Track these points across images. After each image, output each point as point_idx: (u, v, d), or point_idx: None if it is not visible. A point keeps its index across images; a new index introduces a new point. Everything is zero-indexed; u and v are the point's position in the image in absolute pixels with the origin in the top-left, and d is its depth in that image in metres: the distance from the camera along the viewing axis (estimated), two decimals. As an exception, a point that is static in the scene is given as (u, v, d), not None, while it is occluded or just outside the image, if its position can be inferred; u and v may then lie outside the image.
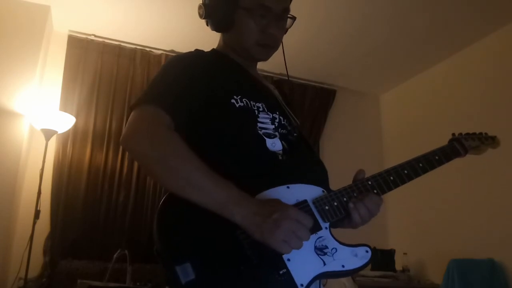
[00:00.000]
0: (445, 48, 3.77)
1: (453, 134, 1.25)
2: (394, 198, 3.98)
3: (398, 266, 3.69)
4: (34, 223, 2.94)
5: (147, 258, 3.14)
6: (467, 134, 1.26)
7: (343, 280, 3.12)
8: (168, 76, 1.07)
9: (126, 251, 2.74)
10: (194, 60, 1.11)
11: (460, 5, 3.17)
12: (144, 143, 0.93)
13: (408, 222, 4.11)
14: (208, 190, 0.89)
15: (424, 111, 4.14)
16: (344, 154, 4.30)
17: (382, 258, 3.67)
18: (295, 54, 3.78)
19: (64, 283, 2.94)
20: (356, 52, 3.91)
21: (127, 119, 3.71)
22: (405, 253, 3.72)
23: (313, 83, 4.44)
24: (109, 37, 3.75)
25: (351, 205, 1.01)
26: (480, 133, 1.28)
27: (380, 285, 3.40)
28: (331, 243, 0.97)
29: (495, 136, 1.30)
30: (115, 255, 2.74)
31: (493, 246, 3.18)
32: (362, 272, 3.42)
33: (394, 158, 4.37)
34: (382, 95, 4.78)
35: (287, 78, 1.34)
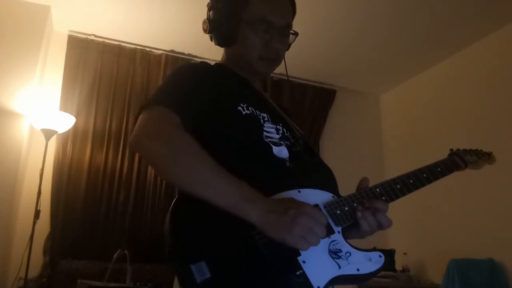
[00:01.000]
0: (445, 48, 3.77)
1: (451, 150, 1.29)
2: (394, 198, 3.97)
3: (398, 266, 3.69)
4: (34, 223, 2.94)
5: (147, 258, 3.14)
6: (464, 150, 1.29)
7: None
8: (177, 80, 1.09)
9: (126, 251, 2.74)
10: (201, 68, 1.14)
11: (460, 5, 3.17)
12: (155, 142, 0.93)
13: (408, 222, 4.11)
14: (221, 189, 0.88)
15: (424, 111, 4.14)
16: (344, 154, 4.29)
17: (382, 258, 3.66)
18: (295, 54, 3.76)
19: (64, 283, 2.94)
20: (356, 52, 3.91)
21: (127, 119, 3.73)
22: (405, 253, 3.72)
23: (313, 83, 4.44)
24: (109, 37, 3.75)
25: (359, 214, 1.01)
26: (476, 150, 1.32)
27: (380, 285, 3.40)
28: (345, 247, 0.97)
29: (491, 152, 1.35)
30: (115, 255, 2.74)
31: (493, 246, 3.18)
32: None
33: (394, 158, 4.38)
34: (382, 95, 4.78)
35: (286, 78, 1.34)
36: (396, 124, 4.54)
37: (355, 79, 4.45)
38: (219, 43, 1.21)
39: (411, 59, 4.00)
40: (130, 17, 3.49)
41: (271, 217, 0.86)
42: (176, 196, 0.93)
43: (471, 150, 1.30)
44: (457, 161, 1.24)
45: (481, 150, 1.33)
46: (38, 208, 2.98)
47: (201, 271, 0.82)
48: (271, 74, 4.07)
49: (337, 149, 4.37)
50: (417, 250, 3.83)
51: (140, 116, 0.98)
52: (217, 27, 1.18)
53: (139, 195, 3.56)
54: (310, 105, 4.37)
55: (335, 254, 0.95)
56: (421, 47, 3.78)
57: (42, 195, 3.01)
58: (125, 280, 2.71)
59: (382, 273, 3.49)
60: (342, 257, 0.95)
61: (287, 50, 1.23)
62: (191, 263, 0.83)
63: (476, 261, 3.10)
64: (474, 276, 3.01)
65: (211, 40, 1.23)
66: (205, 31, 1.21)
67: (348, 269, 0.94)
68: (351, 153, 4.34)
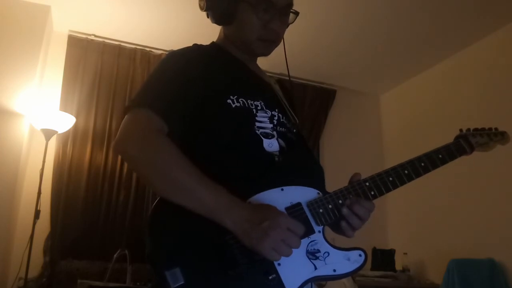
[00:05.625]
0: (445, 48, 3.77)
1: (461, 130, 1.20)
2: (394, 198, 3.98)
3: (398, 266, 3.69)
4: (34, 223, 2.94)
5: (147, 258, 3.13)
6: (476, 129, 1.20)
7: (343, 280, 3.13)
8: (164, 77, 1.05)
9: (126, 251, 2.74)
10: (191, 58, 1.09)
11: (460, 5, 3.17)
12: (135, 148, 0.93)
13: (408, 222, 4.11)
14: (198, 195, 0.89)
15: (424, 111, 4.14)
16: (344, 154, 4.30)
17: (382, 258, 3.66)
18: (295, 54, 3.78)
19: (64, 283, 2.94)
20: (356, 52, 3.91)
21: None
22: (405, 253, 3.72)
23: (313, 83, 4.44)
24: (109, 37, 3.75)
25: (344, 210, 0.99)
26: (490, 129, 1.22)
27: (380, 285, 3.40)
28: (324, 247, 0.96)
29: (505, 132, 1.23)
30: (115, 255, 2.74)
31: (493, 246, 3.18)
32: (362, 272, 3.42)
33: (394, 158, 4.37)
34: (382, 95, 4.78)
35: (288, 78, 1.32)
36: (396, 124, 4.54)
37: (355, 79, 4.45)
38: (216, 21, 1.16)
39: (411, 59, 4.00)
40: (130, 17, 3.49)
41: (245, 227, 0.87)
42: (157, 200, 0.93)
43: (483, 129, 1.20)
44: (462, 145, 1.14)
45: (496, 129, 1.23)
46: (38, 208, 2.98)
47: (175, 278, 0.83)
48: (271, 74, 4.09)
49: (337, 149, 4.37)
50: (417, 250, 3.83)
51: (125, 118, 0.97)
52: (214, 5, 1.13)
53: (139, 195, 3.56)
54: (310, 105, 4.37)
55: (312, 254, 0.94)
56: (421, 47, 3.78)
57: (42, 195, 3.01)
58: (125, 280, 2.71)
59: (382, 273, 3.52)
60: (320, 257, 0.94)
61: (286, 27, 1.18)
62: (166, 269, 0.84)
63: (476, 261, 3.10)
64: (474, 276, 3.01)
65: (208, 17, 1.18)
66: (201, 8, 1.16)
67: (325, 270, 0.94)
68: (351, 153, 4.34)
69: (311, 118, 4.33)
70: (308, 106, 4.36)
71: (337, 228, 1.04)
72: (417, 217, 3.98)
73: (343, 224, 1.00)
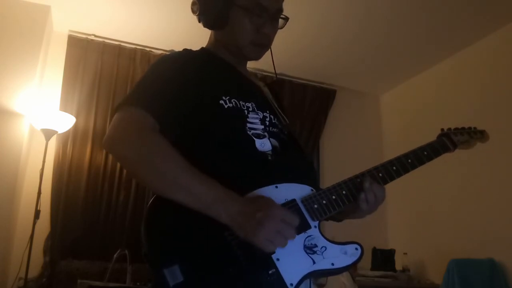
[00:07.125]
0: (445, 48, 3.77)
1: (442, 129, 1.25)
2: (394, 198, 3.98)
3: (398, 266, 3.69)
4: (34, 223, 2.94)
5: (147, 258, 3.13)
6: (456, 128, 1.26)
7: (343, 280, 3.13)
8: (156, 77, 1.06)
9: (126, 251, 2.74)
10: (183, 61, 1.10)
11: (460, 5, 3.17)
12: (127, 146, 0.92)
13: (408, 222, 4.11)
14: (194, 191, 0.89)
15: (424, 111, 4.14)
16: (344, 154, 4.30)
17: (382, 258, 3.66)
18: (295, 54, 3.78)
19: (64, 283, 2.94)
20: (356, 52, 3.91)
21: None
22: (405, 253, 3.72)
23: (313, 83, 4.44)
24: (109, 37, 3.75)
25: (362, 195, 1.03)
26: (469, 128, 1.28)
27: (380, 285, 3.40)
28: (321, 241, 0.97)
29: (484, 130, 1.30)
30: (115, 255, 2.74)
31: (493, 246, 3.18)
32: (362, 272, 3.42)
33: (394, 158, 4.37)
34: (382, 95, 4.78)
35: (275, 76, 1.34)
36: (396, 124, 4.54)
37: (355, 79, 4.45)
38: (208, 25, 1.17)
39: (411, 59, 4.00)
40: (130, 17, 3.49)
41: (240, 219, 0.87)
42: (152, 198, 0.93)
43: (463, 128, 1.27)
44: (445, 142, 1.20)
45: (474, 128, 1.29)
46: (38, 208, 2.98)
47: (174, 275, 0.84)
48: (271, 74, 4.08)
49: (337, 149, 4.37)
50: (417, 250, 3.83)
51: (115, 116, 0.97)
52: (207, 9, 1.14)
53: (139, 195, 3.56)
54: (310, 105, 4.37)
55: (310, 249, 0.95)
56: (421, 47, 3.78)
57: (42, 195, 3.01)
58: (125, 280, 2.71)
59: (382, 273, 3.52)
60: (317, 252, 0.95)
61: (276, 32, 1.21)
62: (164, 267, 0.84)
63: (476, 261, 3.10)
64: (474, 276, 3.01)
65: (199, 22, 1.18)
66: (194, 12, 1.17)
67: (323, 264, 0.95)
68: (351, 153, 4.34)
69: (311, 118, 4.33)
70: (308, 106, 4.36)
71: (346, 214, 1.07)
72: (417, 217, 3.98)
73: (362, 195, 1.03)
